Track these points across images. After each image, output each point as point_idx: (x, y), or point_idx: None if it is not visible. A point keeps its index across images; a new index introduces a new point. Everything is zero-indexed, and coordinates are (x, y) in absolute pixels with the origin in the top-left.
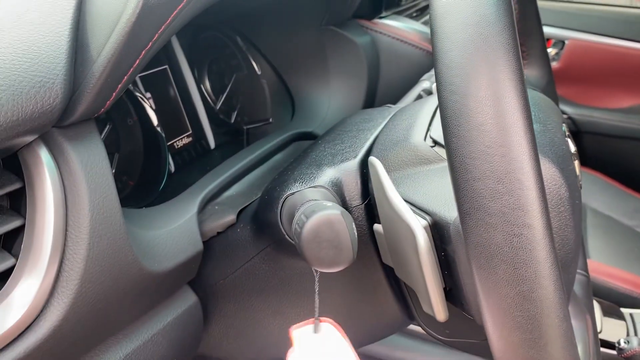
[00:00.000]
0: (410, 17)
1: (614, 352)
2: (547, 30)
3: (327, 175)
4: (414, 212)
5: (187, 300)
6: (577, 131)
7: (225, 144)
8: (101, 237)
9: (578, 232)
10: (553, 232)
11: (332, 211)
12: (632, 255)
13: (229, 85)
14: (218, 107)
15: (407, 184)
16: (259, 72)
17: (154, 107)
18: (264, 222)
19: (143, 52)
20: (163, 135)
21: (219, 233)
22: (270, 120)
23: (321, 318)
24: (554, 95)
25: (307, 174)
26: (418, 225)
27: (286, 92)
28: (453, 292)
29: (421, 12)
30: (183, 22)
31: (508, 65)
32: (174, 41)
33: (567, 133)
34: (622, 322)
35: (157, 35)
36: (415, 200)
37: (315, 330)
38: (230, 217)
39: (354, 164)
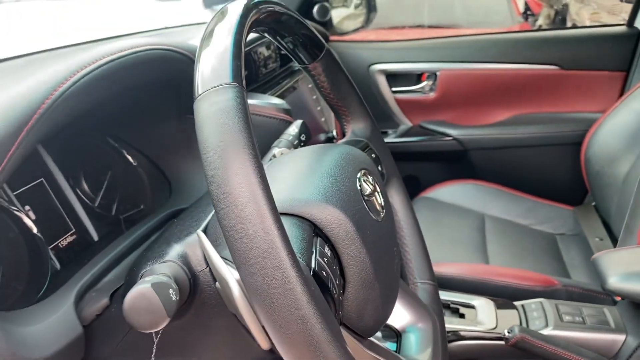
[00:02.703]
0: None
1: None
2: (419, 66)
3: (175, 250)
4: (232, 267)
5: None
6: (465, 150)
7: (108, 235)
8: None
9: (379, 256)
10: (351, 260)
11: (144, 285)
12: (527, 253)
13: (106, 182)
14: (97, 203)
15: None
16: (134, 163)
17: (33, 217)
18: None
19: None
20: (43, 239)
21: (97, 316)
22: (142, 206)
23: None
24: (379, 139)
25: (158, 252)
26: (232, 278)
27: (163, 176)
28: None
29: (278, 83)
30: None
31: (245, 159)
32: (46, 156)
33: (366, 178)
34: (515, 314)
35: None
36: None
37: None
38: (104, 301)
39: (195, 236)
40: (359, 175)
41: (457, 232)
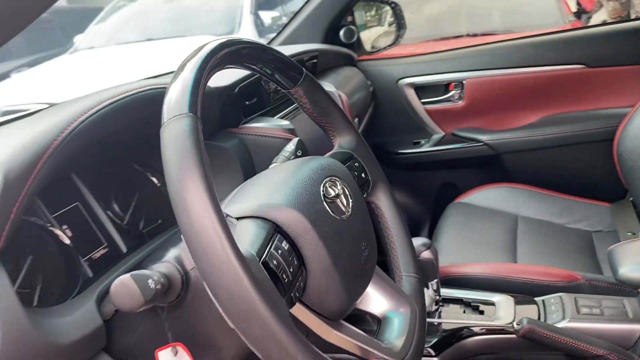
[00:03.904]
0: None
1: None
2: (446, 76)
3: (171, 253)
4: None
5: None
6: (497, 154)
7: (135, 246)
8: (10, 331)
9: (340, 249)
10: (309, 252)
11: (125, 275)
12: (557, 251)
13: (134, 203)
14: (126, 221)
15: None
16: (158, 184)
17: (70, 234)
18: None
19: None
20: (77, 252)
21: (116, 311)
22: (159, 221)
23: (175, 343)
24: (364, 149)
25: (158, 255)
26: None
27: None
28: None
29: (291, 104)
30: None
31: (198, 177)
32: (80, 184)
33: (332, 184)
34: (534, 309)
35: (14, 211)
36: None
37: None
38: None
39: None
40: (324, 182)
41: (487, 234)
